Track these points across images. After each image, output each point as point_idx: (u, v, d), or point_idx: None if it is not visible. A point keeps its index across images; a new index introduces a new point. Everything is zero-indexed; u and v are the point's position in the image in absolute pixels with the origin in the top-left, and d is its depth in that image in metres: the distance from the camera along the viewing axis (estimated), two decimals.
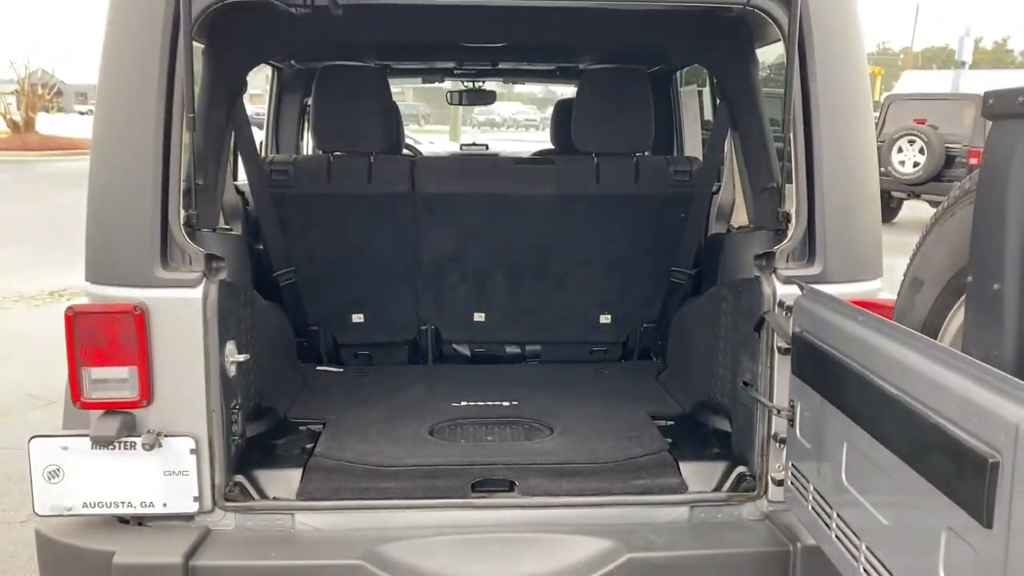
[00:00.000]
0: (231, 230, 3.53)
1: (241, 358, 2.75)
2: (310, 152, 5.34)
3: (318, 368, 4.03)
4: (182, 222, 2.64)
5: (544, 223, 4.04)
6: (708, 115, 5.31)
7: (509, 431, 3.20)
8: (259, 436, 3.05)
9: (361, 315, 4.09)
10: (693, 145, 5.20)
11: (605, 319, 4.17)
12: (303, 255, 3.95)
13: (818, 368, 2.36)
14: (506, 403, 3.48)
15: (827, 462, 2.32)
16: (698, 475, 2.85)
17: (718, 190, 4.03)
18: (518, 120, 42.92)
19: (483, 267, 4.08)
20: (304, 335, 4.06)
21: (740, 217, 4.15)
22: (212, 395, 2.60)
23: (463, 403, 3.48)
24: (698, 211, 3.92)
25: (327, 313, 4.07)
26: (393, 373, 3.97)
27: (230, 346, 2.71)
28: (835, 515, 2.25)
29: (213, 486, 2.63)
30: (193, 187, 2.89)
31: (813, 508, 2.42)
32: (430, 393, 3.64)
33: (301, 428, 3.20)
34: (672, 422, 3.30)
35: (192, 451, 2.58)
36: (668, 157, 4.57)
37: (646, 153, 4.16)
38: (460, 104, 6.30)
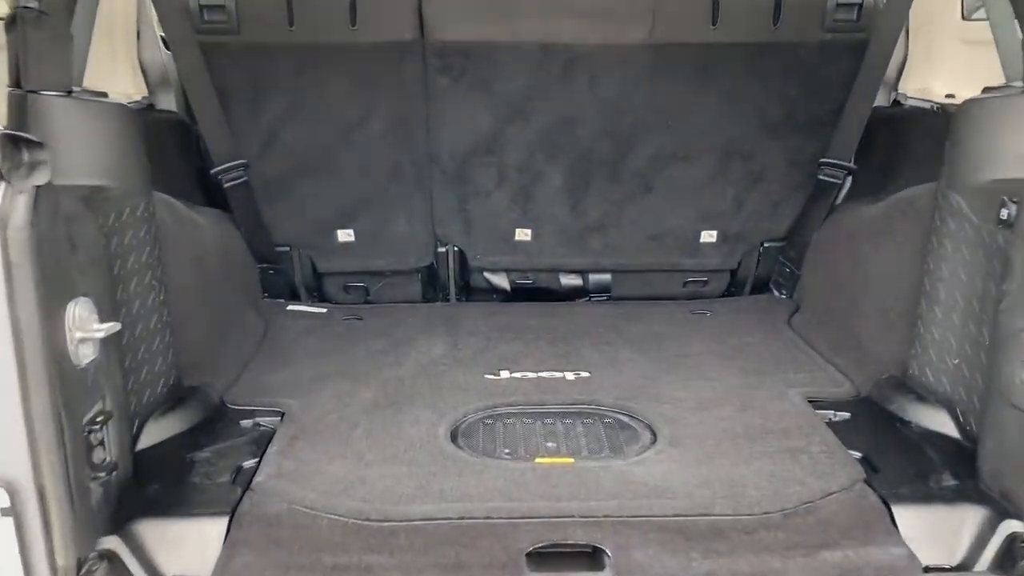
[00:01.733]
0: (103, 95, 2.16)
1: (103, 330, 1.50)
2: None
3: (290, 308, 2.78)
4: None
5: (626, 91, 2.66)
6: None
7: (583, 436, 1.95)
8: (166, 445, 1.84)
9: (350, 232, 2.81)
10: None
11: (708, 236, 2.84)
12: (257, 142, 2.64)
13: None
14: (570, 374, 2.24)
15: None
16: (924, 531, 1.60)
17: None
18: None
19: (530, 160, 2.73)
20: (269, 259, 2.80)
21: (911, 82, 2.77)
22: (36, 405, 1.36)
23: (502, 374, 2.25)
24: (872, 72, 2.52)
25: (301, 229, 2.80)
26: (398, 318, 2.72)
27: (77, 309, 1.46)
28: None
29: (54, 569, 1.42)
30: (21, 14, 1.58)
31: None
32: (452, 355, 2.40)
33: (242, 425, 1.98)
34: (847, 415, 2.03)
35: (5, 512, 1.38)
36: None
37: None
38: None
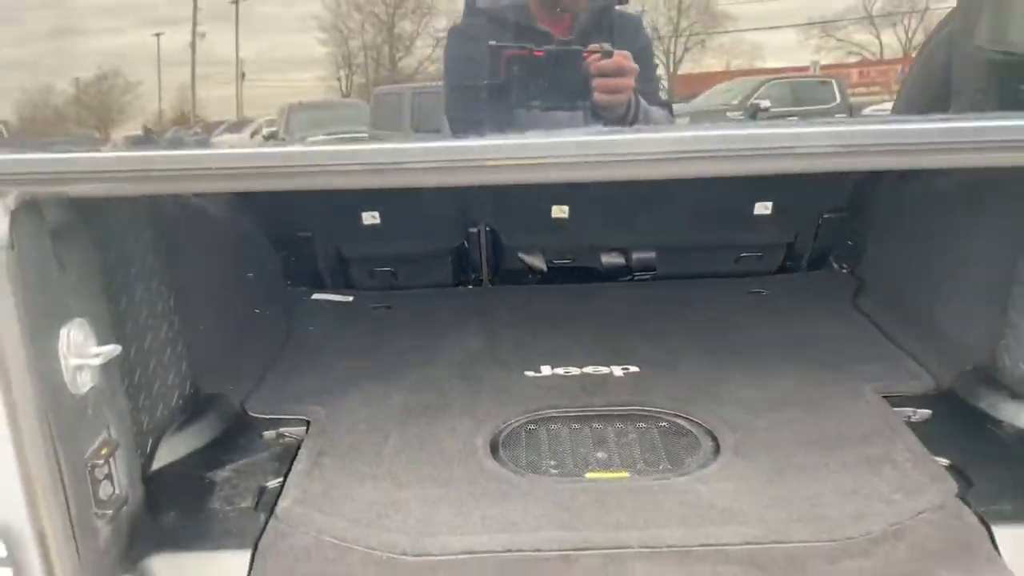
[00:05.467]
0: None
1: (102, 354, 1.34)
2: None
3: (315, 296, 2.63)
4: None
5: None
6: None
7: (637, 444, 1.77)
8: (183, 464, 1.70)
9: (375, 213, 2.62)
10: None
11: (762, 208, 2.61)
12: None
13: None
14: (618, 369, 2.05)
15: None
16: None
17: None
18: None
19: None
20: (288, 247, 2.63)
21: None
22: (30, 442, 1.22)
23: (543, 370, 2.07)
24: None
25: (322, 212, 2.61)
26: (428, 306, 2.55)
27: (71, 333, 1.30)
28: None
29: None
30: None
31: None
32: (487, 350, 2.21)
33: (265, 437, 1.83)
34: (927, 412, 1.83)
35: (2, 562, 1.25)
36: None
37: None
38: None
